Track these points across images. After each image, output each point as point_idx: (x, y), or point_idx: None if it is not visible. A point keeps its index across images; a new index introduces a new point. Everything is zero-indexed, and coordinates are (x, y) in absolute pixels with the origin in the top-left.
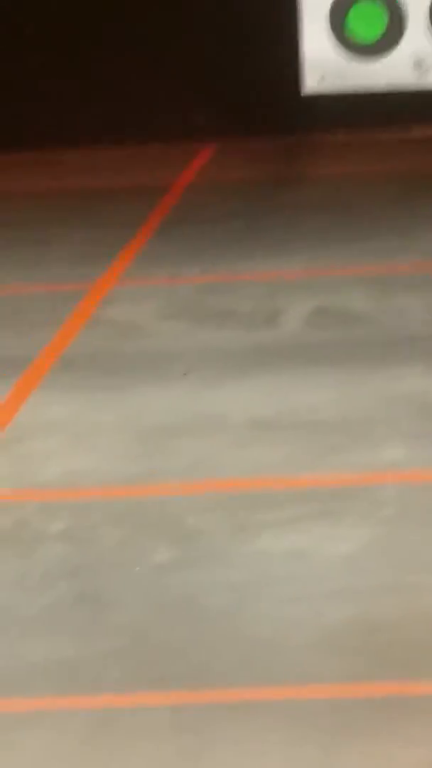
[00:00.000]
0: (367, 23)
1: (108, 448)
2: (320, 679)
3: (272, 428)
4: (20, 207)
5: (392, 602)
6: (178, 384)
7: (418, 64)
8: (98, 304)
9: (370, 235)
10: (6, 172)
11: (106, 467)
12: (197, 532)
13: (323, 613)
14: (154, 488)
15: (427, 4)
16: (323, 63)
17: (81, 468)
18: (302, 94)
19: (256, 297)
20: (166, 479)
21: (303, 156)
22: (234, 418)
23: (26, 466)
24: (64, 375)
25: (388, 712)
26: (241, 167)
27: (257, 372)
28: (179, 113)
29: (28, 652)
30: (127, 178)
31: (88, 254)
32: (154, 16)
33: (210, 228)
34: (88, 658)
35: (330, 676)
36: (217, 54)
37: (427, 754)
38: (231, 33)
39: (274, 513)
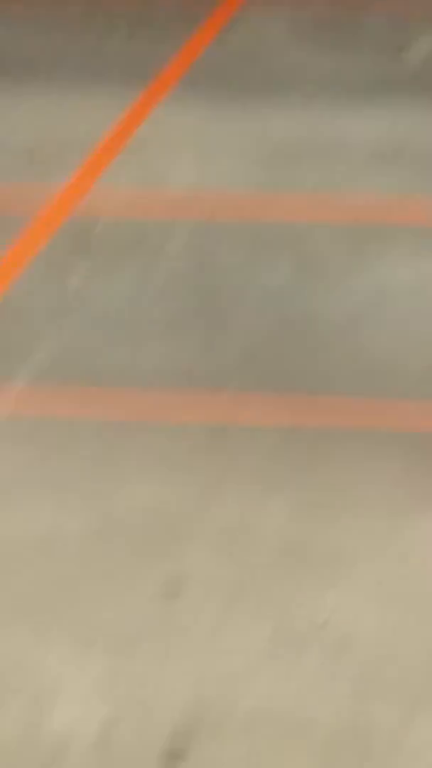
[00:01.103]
0: None
1: (231, 165)
2: None
3: (391, 159)
4: None
5: None
6: (300, 107)
7: None
8: (222, 25)
9: None
10: None
11: (229, 183)
12: (317, 254)
13: None
14: (275, 209)
15: None
16: None
17: (203, 183)
18: None
19: (383, 29)
20: (287, 199)
21: None
22: (354, 145)
23: (149, 178)
24: (188, 90)
25: None
26: None
27: (379, 102)
28: None
29: (148, 356)
30: None
31: None
32: None
33: None
34: (208, 364)
35: None
36: None
37: None
38: None
39: (393, 242)
